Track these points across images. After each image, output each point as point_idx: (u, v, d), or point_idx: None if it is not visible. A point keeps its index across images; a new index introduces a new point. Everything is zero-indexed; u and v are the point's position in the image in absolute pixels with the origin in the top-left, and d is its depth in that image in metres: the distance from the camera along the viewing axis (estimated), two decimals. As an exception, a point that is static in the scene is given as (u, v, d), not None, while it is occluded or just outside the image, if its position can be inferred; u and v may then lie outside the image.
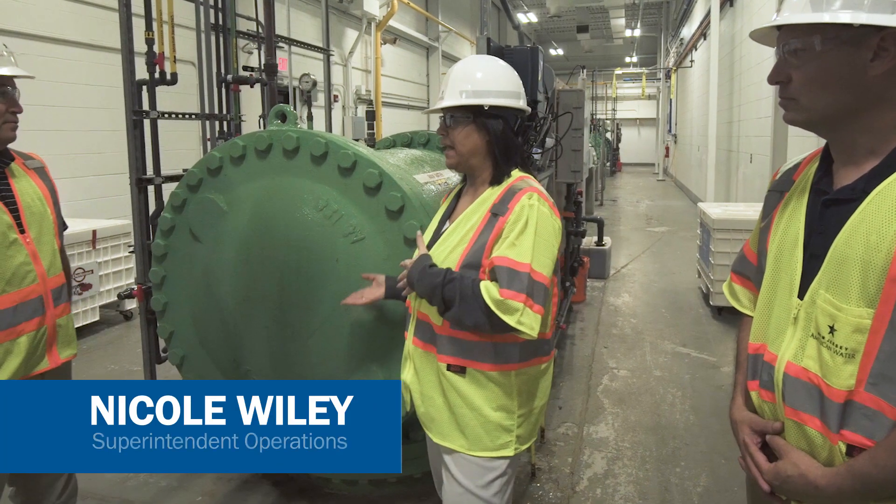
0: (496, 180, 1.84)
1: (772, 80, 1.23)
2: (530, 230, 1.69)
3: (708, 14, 13.08)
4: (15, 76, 1.90)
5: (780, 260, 1.29)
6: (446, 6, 18.13)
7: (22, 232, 1.95)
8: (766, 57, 8.63)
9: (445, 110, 1.82)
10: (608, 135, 22.56)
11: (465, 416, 1.78)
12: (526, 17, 19.91)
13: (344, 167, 2.47)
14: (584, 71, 8.49)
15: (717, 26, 11.56)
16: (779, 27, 1.21)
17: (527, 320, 1.63)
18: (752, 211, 6.40)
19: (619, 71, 29.07)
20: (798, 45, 1.16)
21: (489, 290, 1.65)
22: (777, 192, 1.37)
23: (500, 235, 1.71)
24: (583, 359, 5.07)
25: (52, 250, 2.07)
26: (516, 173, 1.87)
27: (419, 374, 1.87)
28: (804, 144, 6.64)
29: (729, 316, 6.11)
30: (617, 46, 31.55)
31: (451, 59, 19.07)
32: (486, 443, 1.78)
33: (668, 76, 24.51)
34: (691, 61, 17.78)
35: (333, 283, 2.51)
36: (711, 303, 6.16)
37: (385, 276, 2.14)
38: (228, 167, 2.67)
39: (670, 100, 24.04)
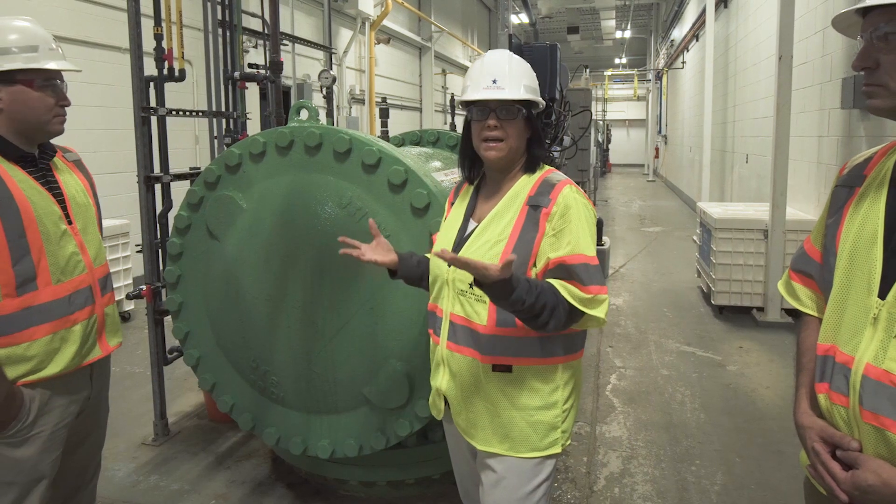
0: (530, 168, 1.81)
1: (857, 65, 1.20)
2: (584, 222, 1.68)
3: (700, 16, 13.16)
4: (63, 69, 1.89)
5: (856, 257, 1.25)
6: (439, 7, 18.10)
7: (70, 223, 1.95)
8: (763, 58, 8.69)
9: (507, 102, 1.74)
10: (598, 136, 22.70)
11: (512, 418, 1.73)
12: (518, 18, 19.91)
13: (368, 164, 2.43)
14: (587, 70, 8.51)
15: (711, 28, 11.63)
16: (864, 13, 1.19)
17: (605, 309, 1.66)
18: (752, 210, 6.43)
19: (609, 72, 29.22)
20: (889, 29, 1.14)
21: (569, 290, 1.62)
22: (846, 188, 1.34)
23: (546, 229, 1.68)
24: (589, 358, 5.06)
25: (98, 241, 2.07)
26: (545, 166, 1.85)
27: (457, 380, 1.80)
28: (803, 144, 6.69)
29: (730, 315, 6.15)
30: (606, 48, 31.72)
31: (443, 60, 19.05)
32: (535, 442, 1.74)
33: (658, 77, 24.65)
34: (683, 63, 17.88)
35: (357, 281, 2.48)
36: (713, 302, 6.18)
37: (394, 248, 1.93)
38: (248, 164, 2.63)
39: (660, 101, 24.18)
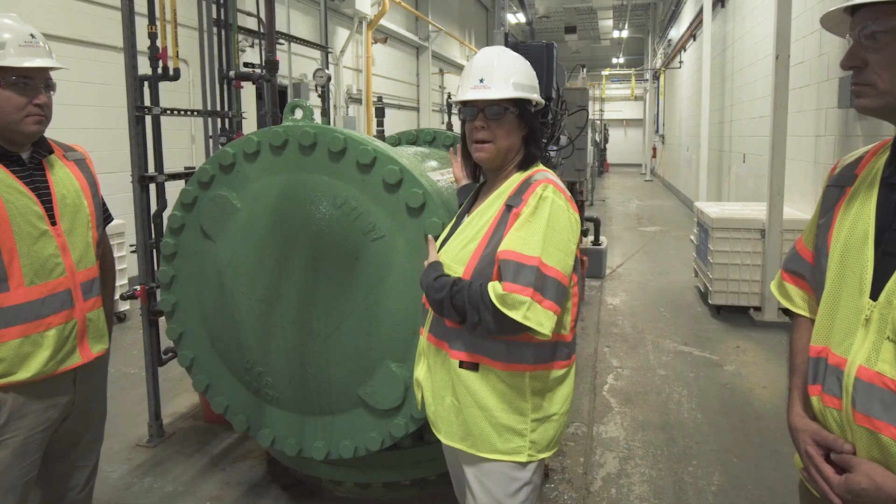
0: (524, 166, 1.77)
1: (845, 65, 1.19)
2: (540, 222, 1.59)
3: (698, 15, 13.16)
4: (18, 67, 1.76)
5: (847, 258, 1.23)
6: (436, 6, 18.08)
7: (53, 224, 1.89)
8: (760, 58, 8.69)
9: (492, 102, 1.69)
10: (596, 136, 22.72)
11: (473, 416, 1.69)
12: (515, 18, 19.90)
13: (363, 163, 2.41)
14: (585, 69, 8.51)
15: (709, 27, 11.62)
16: (852, 12, 1.18)
17: (534, 315, 1.53)
18: (749, 210, 6.42)
19: (606, 72, 29.22)
20: (877, 28, 1.13)
21: (494, 288, 1.57)
22: (837, 188, 1.32)
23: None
24: (586, 358, 5.05)
25: (85, 243, 2.00)
26: (538, 163, 1.81)
27: (431, 372, 1.79)
28: (800, 144, 6.68)
29: (727, 315, 6.14)
30: (604, 47, 31.71)
31: (440, 59, 19.02)
32: (495, 444, 1.69)
33: (655, 77, 24.66)
34: (680, 62, 17.88)
35: (352, 281, 2.46)
36: (710, 301, 6.17)
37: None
38: (242, 163, 2.61)
39: (658, 101, 24.18)
